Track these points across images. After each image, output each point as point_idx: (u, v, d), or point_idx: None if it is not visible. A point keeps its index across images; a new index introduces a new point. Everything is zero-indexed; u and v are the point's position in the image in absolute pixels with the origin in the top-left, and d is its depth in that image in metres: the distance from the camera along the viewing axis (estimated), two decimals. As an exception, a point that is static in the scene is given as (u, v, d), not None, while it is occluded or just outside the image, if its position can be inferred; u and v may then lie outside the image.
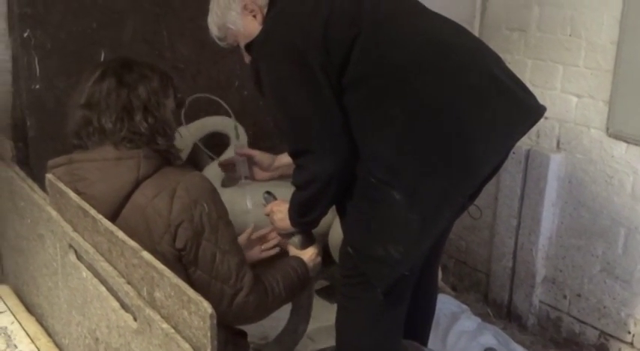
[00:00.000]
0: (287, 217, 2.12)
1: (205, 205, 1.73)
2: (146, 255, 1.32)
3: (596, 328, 3.09)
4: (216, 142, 2.97)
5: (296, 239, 2.17)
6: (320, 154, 1.92)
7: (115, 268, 1.43)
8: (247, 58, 2.12)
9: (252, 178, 2.44)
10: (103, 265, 1.45)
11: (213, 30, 2.13)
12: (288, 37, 1.90)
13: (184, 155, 2.69)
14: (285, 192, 2.19)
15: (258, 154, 2.47)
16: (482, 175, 1.98)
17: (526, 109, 1.99)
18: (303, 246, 2.16)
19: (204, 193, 1.75)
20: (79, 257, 1.59)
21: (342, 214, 2.07)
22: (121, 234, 1.41)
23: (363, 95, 1.90)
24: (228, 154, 2.74)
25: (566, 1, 3.01)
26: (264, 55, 1.95)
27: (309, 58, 1.86)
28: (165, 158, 1.81)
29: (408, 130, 1.88)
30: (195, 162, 2.98)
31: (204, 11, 2.15)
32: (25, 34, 2.63)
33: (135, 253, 1.35)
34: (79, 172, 1.75)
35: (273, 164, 2.45)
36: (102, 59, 2.74)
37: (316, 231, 2.22)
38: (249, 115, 3.15)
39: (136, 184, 1.73)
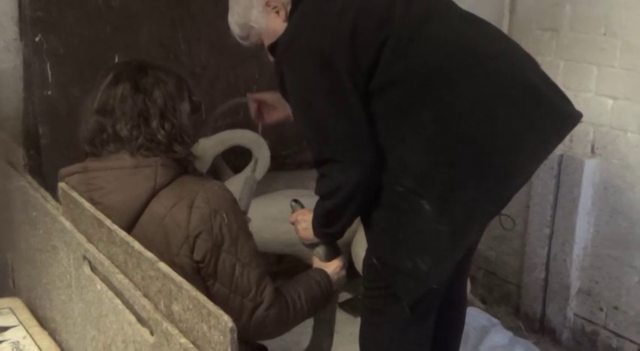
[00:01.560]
0: (311, 226, 2.12)
1: (225, 215, 1.73)
2: (163, 267, 1.32)
3: (634, 342, 3.05)
4: (238, 153, 2.99)
5: (320, 250, 2.16)
6: (345, 164, 1.91)
7: (131, 280, 1.43)
8: (272, 57, 2.11)
9: (265, 120, 2.44)
10: (119, 278, 1.45)
11: (235, 29, 2.12)
12: (313, 41, 1.89)
13: (203, 168, 2.70)
14: (313, 202, 2.19)
15: (268, 97, 2.43)
16: (515, 185, 1.98)
17: (562, 117, 1.97)
18: (327, 258, 2.15)
19: (224, 203, 1.75)
20: (93, 269, 1.59)
21: (366, 224, 2.06)
22: (137, 245, 1.41)
23: (392, 101, 1.89)
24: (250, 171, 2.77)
25: (600, -1, 3.00)
26: (287, 59, 1.94)
27: (335, 63, 1.85)
28: (183, 167, 1.81)
29: (439, 138, 1.87)
30: (215, 174, 2.99)
31: (222, 14, 2.15)
32: (37, 39, 2.65)
33: (152, 264, 1.35)
34: (95, 181, 1.76)
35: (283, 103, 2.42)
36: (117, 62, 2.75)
37: (340, 241, 2.21)
38: (269, 122, 3.16)
39: (153, 194, 1.73)
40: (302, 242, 2.23)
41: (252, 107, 2.46)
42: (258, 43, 2.12)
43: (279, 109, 2.41)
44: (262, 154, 2.92)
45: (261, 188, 2.94)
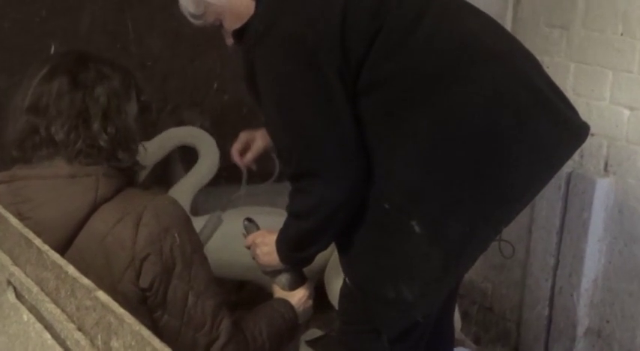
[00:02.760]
0: (274, 251, 2.10)
1: (177, 235, 1.73)
2: (102, 295, 1.31)
3: (650, 393, 3.08)
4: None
5: (283, 278, 2.16)
6: (329, 178, 1.89)
7: (64, 310, 1.42)
8: (230, 41, 2.06)
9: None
10: (49, 307, 1.43)
11: (188, 5, 2.02)
12: (295, 30, 1.85)
13: (143, 174, 2.70)
14: (267, 220, 2.18)
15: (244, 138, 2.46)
16: (518, 207, 1.99)
17: (571, 129, 1.99)
18: (292, 286, 2.15)
19: (176, 220, 1.75)
20: (19, 296, 1.58)
21: (342, 245, 2.05)
22: (71, 269, 1.40)
23: (382, 104, 1.89)
24: (198, 170, 2.76)
25: (618, -7, 3.03)
26: (261, 49, 1.89)
27: (320, 57, 1.82)
28: (128, 177, 1.80)
29: (434, 149, 1.87)
30: (166, 177, 2.98)
31: (179, -2, 2.14)
32: (-41, 22, 2.64)
33: (88, 292, 1.34)
34: (24, 192, 1.75)
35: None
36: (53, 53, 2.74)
37: (307, 268, 2.21)
38: (231, 125, 3.16)
39: (94, 208, 1.73)
40: (261, 269, 2.21)
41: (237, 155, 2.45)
42: (215, 24, 2.05)
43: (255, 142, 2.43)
44: (209, 152, 2.93)
45: (221, 204, 2.94)
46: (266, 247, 2.14)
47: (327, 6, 1.85)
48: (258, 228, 2.25)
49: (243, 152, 2.43)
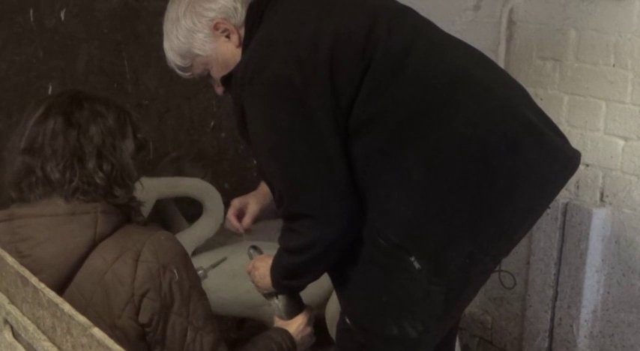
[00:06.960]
0: (269, 274, 2.09)
1: (176, 271, 1.73)
2: (97, 332, 1.31)
3: None
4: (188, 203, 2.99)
5: (279, 303, 2.14)
6: (319, 220, 1.88)
7: (60, 348, 1.41)
8: (220, 90, 2.08)
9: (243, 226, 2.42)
10: (46, 345, 1.43)
11: (175, 59, 2.06)
12: (283, 73, 1.83)
13: (144, 212, 2.70)
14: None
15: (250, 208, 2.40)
16: (516, 237, 1.98)
17: (563, 158, 1.99)
18: (288, 313, 2.14)
19: (175, 257, 1.75)
20: (16, 335, 1.57)
21: (339, 282, 2.04)
22: (67, 307, 1.39)
23: (373, 141, 1.88)
24: (201, 225, 2.77)
25: (609, 25, 3.04)
26: (250, 94, 1.88)
27: (309, 100, 1.81)
28: (126, 213, 1.80)
29: (429, 184, 1.86)
30: (165, 224, 2.98)
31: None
32: (-45, 64, 2.65)
33: (84, 330, 1.33)
34: (22, 231, 1.74)
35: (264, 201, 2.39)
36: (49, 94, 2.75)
37: (310, 299, 2.19)
38: (228, 162, 3.17)
39: (93, 245, 1.72)
40: (259, 292, 2.20)
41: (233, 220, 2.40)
42: (203, 75, 2.08)
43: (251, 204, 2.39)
44: (214, 208, 2.93)
45: (219, 240, 2.94)
46: (262, 269, 2.12)
47: (315, 47, 1.84)
48: (261, 253, 2.24)
49: (239, 217, 2.39)
